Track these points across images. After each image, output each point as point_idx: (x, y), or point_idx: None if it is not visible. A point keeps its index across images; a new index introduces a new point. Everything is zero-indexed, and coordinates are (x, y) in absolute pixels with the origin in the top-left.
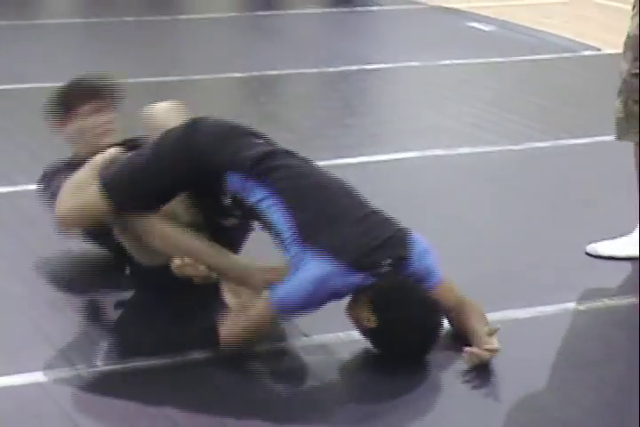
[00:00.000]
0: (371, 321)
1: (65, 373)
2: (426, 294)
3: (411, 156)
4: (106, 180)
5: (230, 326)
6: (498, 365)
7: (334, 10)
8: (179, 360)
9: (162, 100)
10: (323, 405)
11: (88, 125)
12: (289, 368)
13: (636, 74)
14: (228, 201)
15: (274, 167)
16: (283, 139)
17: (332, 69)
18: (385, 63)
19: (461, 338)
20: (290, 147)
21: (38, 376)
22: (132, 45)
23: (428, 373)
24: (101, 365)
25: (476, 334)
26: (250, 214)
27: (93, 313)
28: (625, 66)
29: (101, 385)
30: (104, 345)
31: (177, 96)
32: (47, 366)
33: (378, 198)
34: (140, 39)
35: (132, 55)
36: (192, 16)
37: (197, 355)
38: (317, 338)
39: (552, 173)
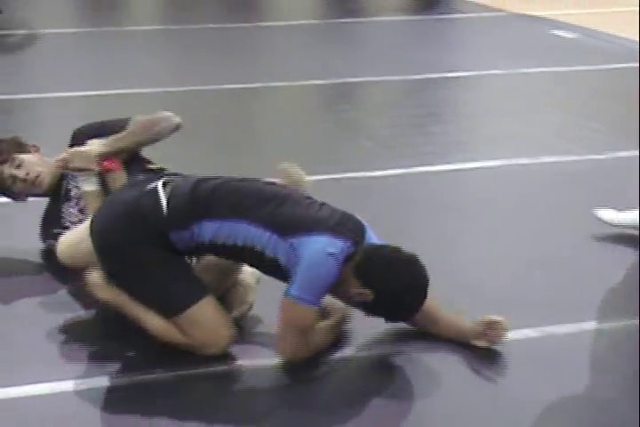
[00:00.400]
0: (366, 295)
1: (85, 384)
2: (405, 252)
3: (494, 164)
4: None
5: (280, 343)
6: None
7: (417, 17)
8: (201, 372)
9: (243, 106)
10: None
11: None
12: (299, 381)
13: None
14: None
15: (206, 201)
16: (363, 147)
17: (414, 77)
18: (468, 71)
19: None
20: (370, 154)
21: (61, 386)
22: (213, 52)
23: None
24: (117, 377)
25: (463, 330)
26: (214, 251)
27: (109, 326)
28: None
29: (118, 398)
30: (121, 358)
31: (257, 103)
32: (67, 378)
33: (460, 206)
34: (221, 46)
35: (214, 62)
36: (273, 23)
37: (218, 367)
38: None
39: (635, 183)
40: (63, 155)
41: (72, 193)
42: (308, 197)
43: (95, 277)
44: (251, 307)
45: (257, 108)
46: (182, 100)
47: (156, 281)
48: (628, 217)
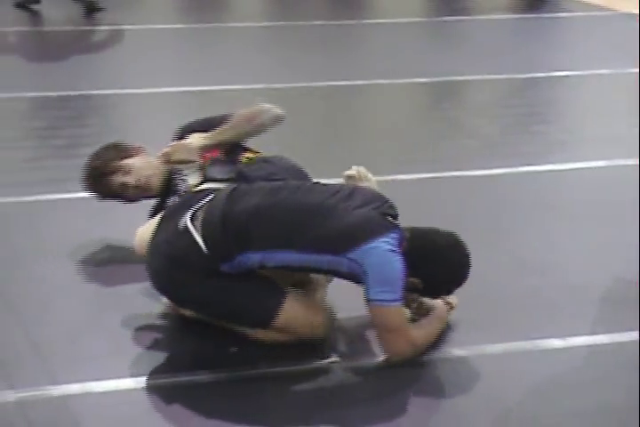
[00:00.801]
0: (416, 283)
1: (145, 382)
2: (444, 235)
3: (596, 165)
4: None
5: (385, 347)
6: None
7: (522, 16)
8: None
9: (346, 103)
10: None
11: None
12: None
13: None
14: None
15: (243, 233)
16: (465, 145)
17: (519, 76)
18: (573, 70)
19: None
20: (472, 153)
21: (123, 383)
22: (318, 49)
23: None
24: (173, 376)
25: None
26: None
27: (164, 325)
28: None
29: (177, 396)
30: (199, 355)
31: (360, 100)
32: (128, 375)
33: (561, 206)
34: (326, 43)
35: (318, 59)
36: (379, 20)
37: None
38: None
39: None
40: (166, 149)
41: (178, 187)
42: (339, 191)
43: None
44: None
45: (360, 105)
46: (286, 96)
47: (231, 304)
48: None
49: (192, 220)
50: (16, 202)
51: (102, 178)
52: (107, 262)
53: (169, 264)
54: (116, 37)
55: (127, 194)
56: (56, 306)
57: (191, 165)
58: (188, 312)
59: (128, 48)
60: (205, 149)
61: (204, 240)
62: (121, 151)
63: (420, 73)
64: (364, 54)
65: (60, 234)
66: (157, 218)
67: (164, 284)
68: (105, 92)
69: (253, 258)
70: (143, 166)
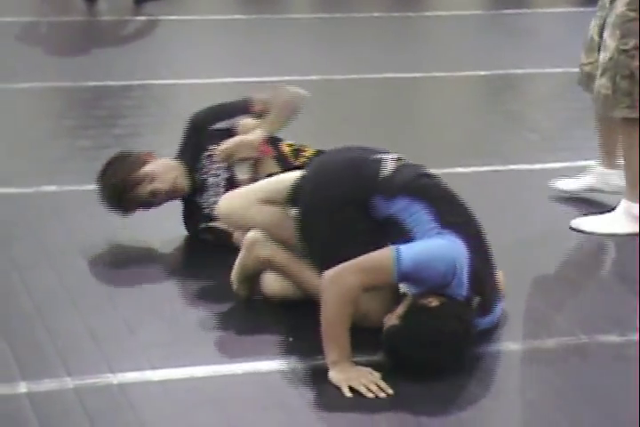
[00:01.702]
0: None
1: (305, 363)
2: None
3: None
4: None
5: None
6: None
7: (581, 9)
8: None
9: (405, 95)
10: None
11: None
12: None
13: (625, 50)
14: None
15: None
16: (525, 139)
17: (577, 70)
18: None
19: None
20: (532, 147)
21: (281, 364)
22: (378, 41)
23: None
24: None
25: None
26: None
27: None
28: (612, 43)
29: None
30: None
31: (420, 92)
32: (289, 355)
33: (615, 202)
34: (386, 35)
35: (378, 51)
36: (438, 13)
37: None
38: None
39: None
40: (227, 146)
41: (209, 182)
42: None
43: (256, 235)
44: None
45: (419, 97)
46: (343, 88)
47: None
48: (582, 182)
49: (394, 159)
50: (74, 190)
51: (129, 192)
52: (160, 255)
53: (342, 171)
54: (172, 28)
55: (158, 200)
56: (113, 297)
57: (249, 160)
58: (268, 252)
59: (185, 38)
60: (263, 142)
61: (389, 172)
62: (134, 161)
63: (480, 66)
64: (425, 47)
65: (116, 223)
66: (250, 189)
67: (321, 191)
68: (165, 82)
69: (400, 204)
70: (165, 170)
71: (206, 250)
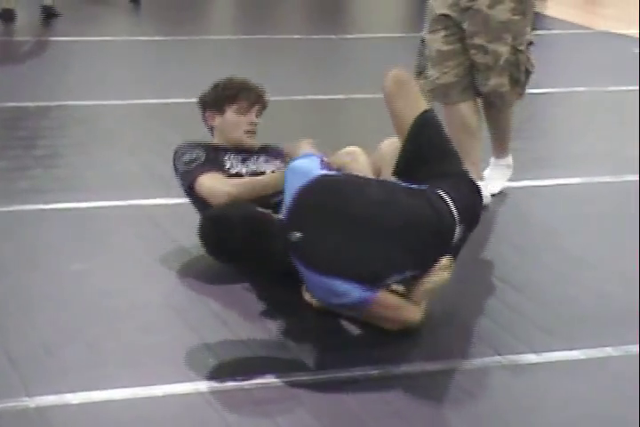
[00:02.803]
0: None
1: (226, 384)
2: None
3: (576, 181)
4: None
5: None
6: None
7: None
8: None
9: (327, 117)
10: None
11: (230, 122)
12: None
13: (520, 50)
14: None
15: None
16: None
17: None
18: (552, 87)
19: None
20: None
21: (202, 386)
22: (298, 63)
23: None
24: (261, 378)
25: None
26: None
27: (255, 326)
28: (502, 47)
29: (261, 398)
30: (266, 359)
31: (341, 114)
32: (211, 377)
33: (540, 222)
34: (306, 57)
35: (299, 72)
36: (360, 35)
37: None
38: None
39: None
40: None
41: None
42: None
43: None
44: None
45: (341, 119)
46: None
47: None
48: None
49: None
50: None
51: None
52: (86, 272)
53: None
54: (90, 48)
55: (245, 141)
56: (31, 318)
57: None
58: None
59: (104, 59)
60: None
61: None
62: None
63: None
64: (345, 69)
65: (38, 244)
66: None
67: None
68: (84, 102)
69: None
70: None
71: (131, 272)
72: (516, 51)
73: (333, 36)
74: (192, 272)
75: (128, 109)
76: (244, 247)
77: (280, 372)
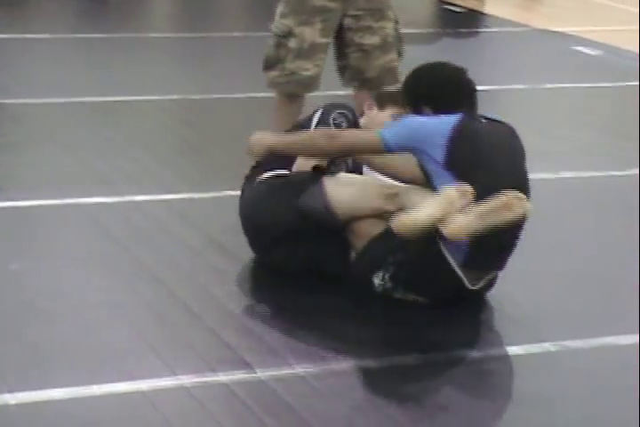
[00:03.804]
0: None
1: (168, 382)
2: None
3: None
4: None
5: None
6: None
7: (440, 31)
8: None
9: (270, 115)
10: None
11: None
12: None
13: (398, 29)
14: None
15: None
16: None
17: None
18: (490, 85)
19: None
20: None
21: (142, 385)
22: (238, 61)
23: None
24: (204, 375)
25: None
26: None
27: (197, 325)
28: (386, 24)
29: (201, 397)
30: (206, 355)
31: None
32: (151, 376)
33: None
34: (244, 54)
35: (237, 70)
36: None
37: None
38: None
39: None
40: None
41: None
42: None
43: None
44: None
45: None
46: (206, 107)
47: None
48: None
49: None
50: None
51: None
52: (24, 272)
53: None
54: (26, 46)
55: None
56: None
57: None
58: None
59: (39, 57)
60: None
61: None
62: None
63: (332, 85)
64: None
65: None
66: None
67: None
68: (19, 100)
69: None
70: None
71: (70, 272)
72: (396, 24)
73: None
74: (132, 271)
75: (66, 108)
76: None
77: (221, 370)
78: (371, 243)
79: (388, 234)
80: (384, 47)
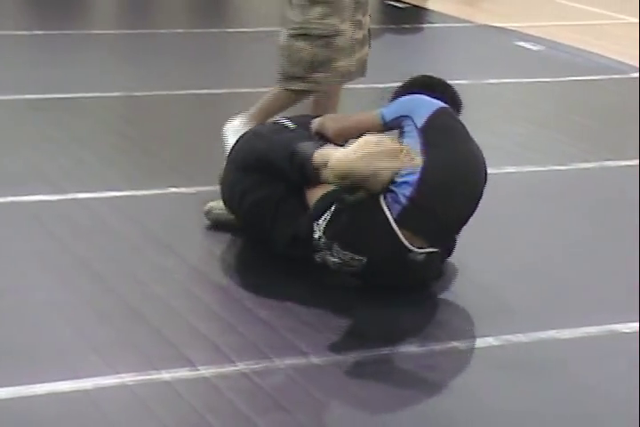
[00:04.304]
0: None
1: (110, 381)
2: None
3: None
4: None
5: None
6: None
7: (382, 27)
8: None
9: (211, 111)
10: None
11: None
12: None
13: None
14: None
15: None
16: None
17: (378, 85)
18: None
19: None
20: None
21: (85, 384)
22: (180, 57)
23: None
24: (147, 373)
25: None
26: None
27: (138, 322)
28: (367, 19)
29: (144, 395)
30: (148, 353)
31: (225, 108)
32: (93, 374)
33: None
34: (188, 51)
35: (181, 67)
36: (241, 29)
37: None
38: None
39: (597, 195)
40: None
41: None
42: None
43: None
44: None
45: (223, 113)
46: (148, 104)
47: None
48: None
49: None
50: None
51: None
52: None
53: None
54: None
55: None
56: None
57: None
58: None
59: None
60: None
61: None
62: None
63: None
64: (227, 63)
65: None
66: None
67: None
68: None
69: None
70: None
71: (11, 271)
72: (369, 17)
73: (214, 30)
74: (73, 269)
75: (6, 105)
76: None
77: (163, 368)
78: (318, 200)
79: (334, 191)
80: (364, 41)
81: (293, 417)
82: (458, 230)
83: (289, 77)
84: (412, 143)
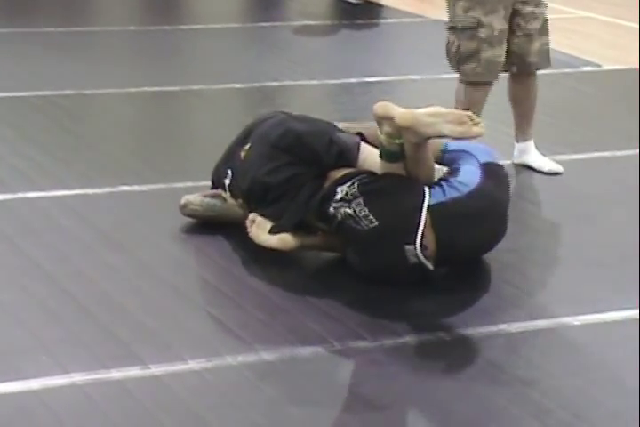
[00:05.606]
0: None
1: (60, 381)
2: None
3: None
4: None
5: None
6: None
7: (337, 22)
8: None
9: (164, 109)
10: None
11: None
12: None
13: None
14: None
15: None
16: None
17: (332, 81)
18: (386, 76)
19: None
20: None
21: (34, 384)
22: (134, 54)
23: None
24: (97, 373)
25: None
26: None
27: (86, 320)
28: (540, 10)
29: (94, 395)
30: (98, 352)
31: (178, 105)
32: (43, 375)
33: None
34: (142, 48)
35: (134, 64)
36: (194, 26)
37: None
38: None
39: (544, 188)
40: None
41: None
42: None
43: None
44: None
45: (176, 111)
46: (100, 102)
47: None
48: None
49: None
50: None
51: None
52: None
53: None
54: None
55: None
56: None
57: None
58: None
59: None
60: None
61: None
62: None
63: (237, 78)
64: (180, 60)
65: None
66: None
67: None
68: None
69: None
70: None
71: None
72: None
73: (167, 27)
74: (22, 269)
75: None
76: None
77: (114, 367)
78: (341, 176)
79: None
80: (542, 30)
81: (246, 415)
82: (459, 258)
83: (454, 70)
84: (472, 170)
